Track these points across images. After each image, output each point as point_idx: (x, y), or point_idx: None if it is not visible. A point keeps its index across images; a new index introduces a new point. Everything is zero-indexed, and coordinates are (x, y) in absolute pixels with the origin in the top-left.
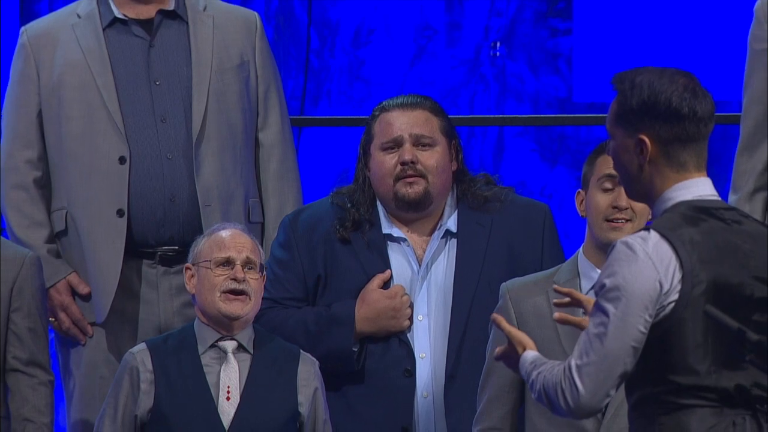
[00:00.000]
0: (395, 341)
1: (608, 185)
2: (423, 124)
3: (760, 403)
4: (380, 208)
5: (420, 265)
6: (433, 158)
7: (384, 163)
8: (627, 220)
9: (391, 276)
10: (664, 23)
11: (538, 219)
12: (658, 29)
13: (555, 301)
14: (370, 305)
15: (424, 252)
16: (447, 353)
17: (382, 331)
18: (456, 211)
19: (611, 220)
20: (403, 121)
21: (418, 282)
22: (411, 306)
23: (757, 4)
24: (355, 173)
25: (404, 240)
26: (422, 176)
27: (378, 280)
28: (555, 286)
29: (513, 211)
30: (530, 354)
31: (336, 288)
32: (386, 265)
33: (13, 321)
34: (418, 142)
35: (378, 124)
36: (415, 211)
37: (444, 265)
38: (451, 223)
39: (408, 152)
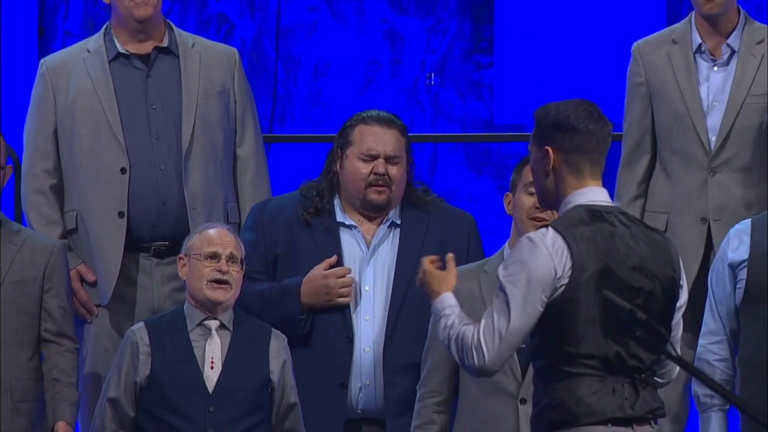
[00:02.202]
0: (339, 314)
1: (532, 189)
2: (395, 144)
3: (636, 373)
4: (337, 200)
5: (368, 248)
6: (397, 171)
7: (359, 169)
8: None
9: (339, 260)
10: (567, 61)
11: (466, 225)
12: (563, 65)
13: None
14: (310, 283)
15: (372, 237)
16: (386, 318)
17: (321, 304)
18: (400, 210)
19: (534, 218)
20: (382, 138)
21: (366, 260)
22: (358, 283)
23: (633, 46)
24: (325, 166)
25: (355, 227)
26: (388, 186)
27: (325, 263)
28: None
29: (446, 216)
30: (449, 299)
31: (294, 265)
32: (339, 247)
33: (45, 300)
34: (390, 159)
35: (358, 134)
36: (376, 213)
37: (388, 249)
38: (396, 217)
39: (382, 166)
